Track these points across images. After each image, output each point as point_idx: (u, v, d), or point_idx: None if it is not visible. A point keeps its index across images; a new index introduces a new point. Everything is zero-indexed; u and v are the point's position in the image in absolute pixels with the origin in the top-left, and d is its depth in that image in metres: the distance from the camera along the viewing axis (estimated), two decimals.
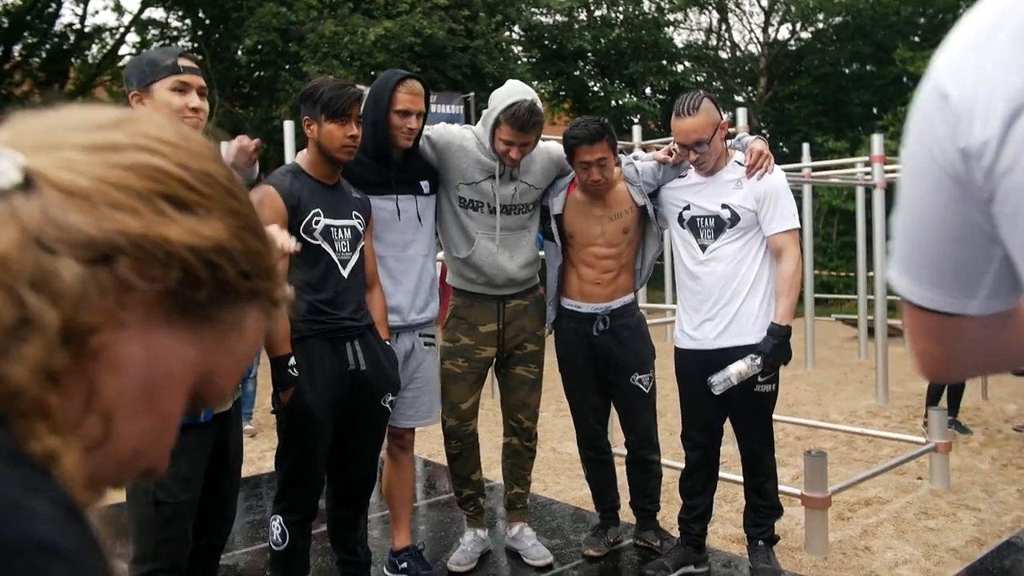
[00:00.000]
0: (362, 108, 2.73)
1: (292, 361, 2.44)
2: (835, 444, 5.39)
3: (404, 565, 3.04)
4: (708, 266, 3.00)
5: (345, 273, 2.56)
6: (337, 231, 2.56)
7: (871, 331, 7.87)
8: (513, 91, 2.91)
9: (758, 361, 2.88)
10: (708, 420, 3.13)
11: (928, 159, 0.64)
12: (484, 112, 3.00)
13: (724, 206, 2.97)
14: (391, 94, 2.74)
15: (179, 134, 0.50)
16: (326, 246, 2.53)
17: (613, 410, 3.42)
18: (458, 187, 3.01)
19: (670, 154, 3.09)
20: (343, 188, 2.66)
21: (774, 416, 5.49)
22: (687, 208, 3.06)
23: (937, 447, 4.37)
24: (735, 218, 2.95)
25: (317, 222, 2.52)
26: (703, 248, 3.01)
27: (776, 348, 2.89)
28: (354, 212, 2.63)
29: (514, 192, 3.04)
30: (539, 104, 2.91)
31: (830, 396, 7.18)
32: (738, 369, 2.88)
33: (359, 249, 2.63)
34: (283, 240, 1.92)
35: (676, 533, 3.36)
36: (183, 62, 2.13)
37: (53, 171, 0.44)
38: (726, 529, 3.74)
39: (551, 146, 3.16)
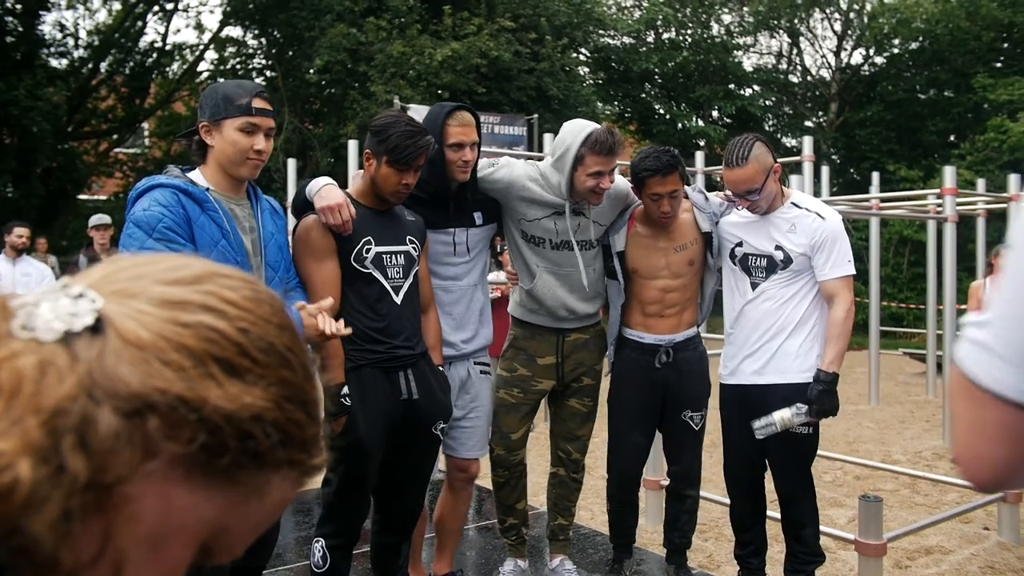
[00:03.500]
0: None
1: (345, 390, 2.46)
2: (896, 486, 5.19)
3: None
4: (756, 304, 3.00)
5: (398, 300, 2.56)
6: (390, 257, 2.56)
7: (940, 367, 7.58)
8: (581, 125, 2.89)
9: (803, 410, 2.82)
10: (749, 455, 3.11)
11: None
12: (553, 158, 2.93)
13: (778, 247, 2.95)
14: (442, 130, 2.71)
15: (250, 297, 0.51)
16: (377, 274, 2.53)
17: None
18: (519, 222, 3.00)
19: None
20: (396, 213, 2.66)
21: (831, 454, 5.34)
22: (740, 245, 3.05)
23: (1006, 496, 4.17)
24: (787, 260, 2.94)
25: (368, 250, 2.52)
26: (753, 287, 3.01)
27: (822, 394, 2.84)
28: (408, 237, 2.62)
29: (577, 227, 3.00)
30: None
31: (894, 435, 6.93)
32: (782, 416, 2.82)
33: (413, 274, 2.61)
34: (332, 326, 1.97)
35: (729, 569, 3.28)
36: (257, 103, 2.15)
37: (122, 319, 0.46)
38: (774, 571, 3.63)
39: (617, 181, 3.13)
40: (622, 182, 3.12)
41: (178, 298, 0.48)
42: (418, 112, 11.28)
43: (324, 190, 2.50)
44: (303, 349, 0.53)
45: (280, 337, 0.51)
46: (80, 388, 0.43)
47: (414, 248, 2.63)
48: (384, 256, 2.56)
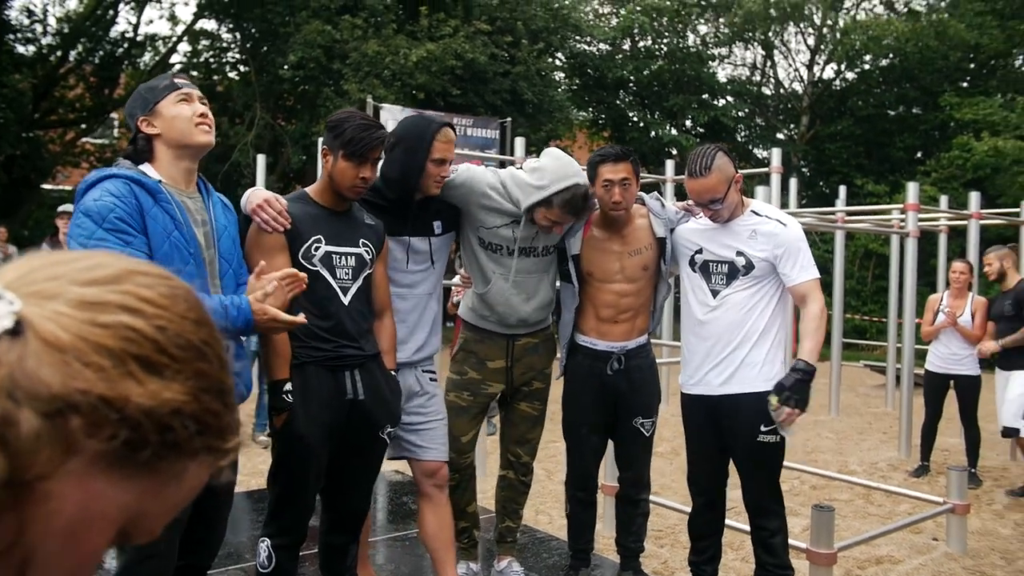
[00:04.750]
0: (392, 152, 2.73)
1: (288, 387, 2.43)
2: (851, 496, 5.26)
3: None
4: (718, 312, 2.99)
5: (345, 300, 2.54)
6: (339, 258, 2.54)
7: (899, 379, 7.70)
8: (567, 172, 2.85)
9: (774, 402, 2.81)
10: (712, 465, 3.13)
11: None
12: (528, 174, 2.91)
13: (739, 253, 2.95)
14: (430, 143, 2.70)
15: (167, 295, 0.52)
16: (325, 273, 2.52)
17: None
18: (478, 229, 2.99)
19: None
20: (353, 215, 2.64)
21: (789, 464, 5.37)
22: (699, 252, 3.04)
23: (955, 508, 4.24)
24: (749, 266, 2.94)
25: (317, 248, 2.51)
26: (714, 293, 3.01)
27: (797, 383, 2.81)
28: (362, 240, 2.61)
29: (535, 234, 3.00)
30: (590, 188, 2.94)
31: (851, 445, 7.02)
32: (775, 416, 2.84)
33: (363, 277, 2.60)
34: (287, 317, 2.10)
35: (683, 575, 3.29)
36: (178, 80, 2.21)
37: (41, 321, 0.46)
38: None
39: None
40: None
41: (96, 299, 0.48)
42: (391, 112, 11.23)
43: (251, 195, 2.53)
44: (219, 340, 0.54)
45: (197, 332, 0.52)
46: (1, 390, 0.44)
47: (367, 251, 2.61)
48: (334, 256, 2.54)
